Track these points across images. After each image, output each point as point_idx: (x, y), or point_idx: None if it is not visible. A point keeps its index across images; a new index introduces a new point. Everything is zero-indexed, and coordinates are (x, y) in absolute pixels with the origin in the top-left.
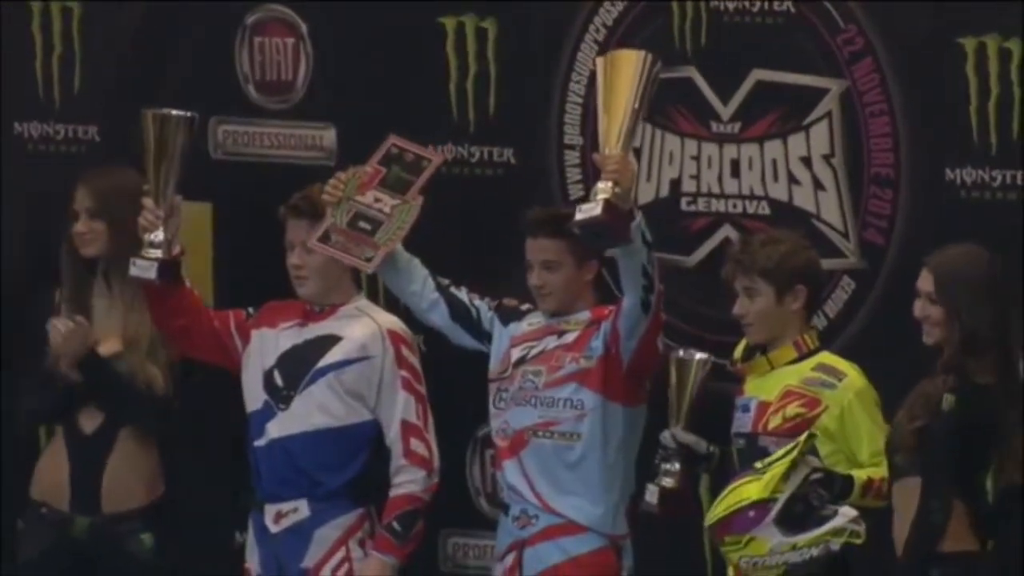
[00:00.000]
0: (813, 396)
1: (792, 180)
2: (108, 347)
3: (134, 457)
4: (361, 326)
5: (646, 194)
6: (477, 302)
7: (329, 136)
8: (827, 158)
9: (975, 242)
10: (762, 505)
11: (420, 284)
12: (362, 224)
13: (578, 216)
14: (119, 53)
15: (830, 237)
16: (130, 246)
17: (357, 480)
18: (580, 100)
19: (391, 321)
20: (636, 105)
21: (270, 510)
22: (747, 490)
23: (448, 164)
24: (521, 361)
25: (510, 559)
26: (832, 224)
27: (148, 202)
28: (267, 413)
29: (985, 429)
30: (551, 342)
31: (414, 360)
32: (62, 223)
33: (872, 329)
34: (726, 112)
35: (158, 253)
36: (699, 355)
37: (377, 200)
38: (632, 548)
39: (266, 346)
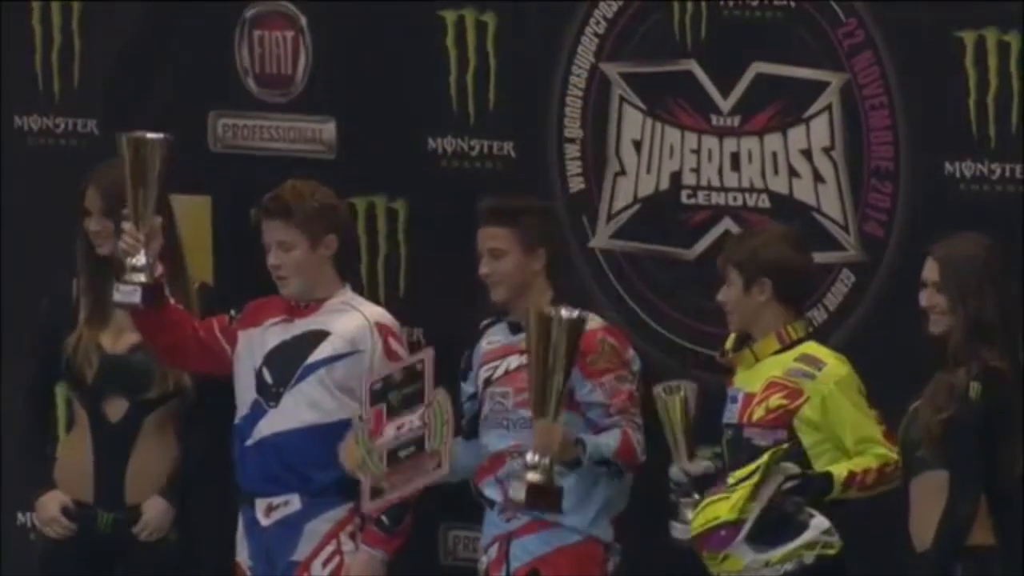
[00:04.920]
0: (795, 387)
1: (792, 173)
2: (128, 339)
3: (158, 446)
4: (349, 320)
5: (646, 187)
6: (466, 404)
7: (329, 129)
8: (827, 151)
9: (977, 233)
10: (732, 526)
11: (471, 456)
12: (403, 453)
13: (510, 493)
14: (119, 47)
15: (830, 230)
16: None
17: (348, 475)
18: (580, 94)
19: (378, 313)
20: (553, 369)
21: (261, 503)
22: (718, 509)
23: (448, 157)
24: (488, 382)
25: (494, 551)
26: (832, 217)
27: (128, 226)
28: (257, 411)
29: (1007, 415)
30: (514, 361)
31: (403, 351)
32: (63, 216)
33: (872, 322)
34: (726, 105)
35: (141, 278)
36: (681, 387)
37: (399, 428)
38: (619, 550)
39: (253, 345)
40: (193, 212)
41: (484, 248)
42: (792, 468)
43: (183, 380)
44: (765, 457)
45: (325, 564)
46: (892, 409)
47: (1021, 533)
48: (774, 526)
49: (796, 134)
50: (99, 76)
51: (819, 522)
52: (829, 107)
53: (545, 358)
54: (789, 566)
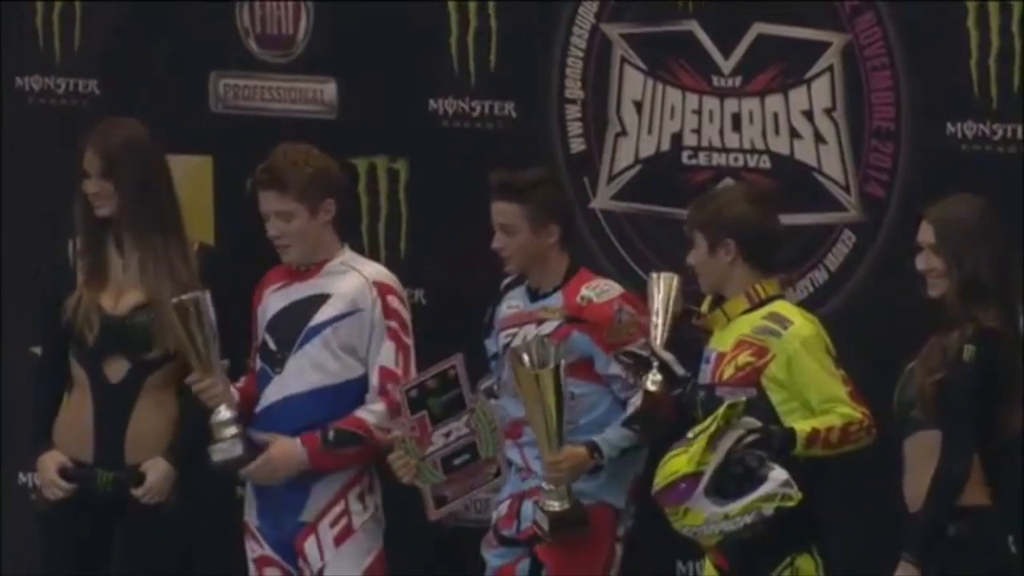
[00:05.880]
0: (761, 345)
1: (793, 134)
2: (128, 301)
3: (158, 407)
4: (348, 281)
5: (647, 147)
6: (492, 364)
7: (329, 90)
8: (828, 112)
9: (975, 195)
10: (691, 478)
11: None
12: (457, 461)
13: (536, 518)
14: (120, 7)
15: (831, 190)
16: (137, 205)
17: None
18: (581, 54)
19: (377, 272)
20: (548, 404)
21: None
22: (677, 463)
23: (449, 118)
24: (507, 348)
25: (505, 507)
26: (833, 177)
27: (202, 385)
28: (263, 378)
29: (1002, 377)
30: (530, 331)
31: (402, 309)
32: (63, 177)
33: (872, 282)
34: (727, 66)
35: (233, 430)
36: (674, 276)
37: (447, 435)
38: (633, 517)
39: (261, 319)
40: (193, 172)
41: (496, 222)
42: (754, 423)
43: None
44: (721, 409)
45: (333, 525)
46: (892, 369)
47: (1017, 493)
48: (735, 479)
49: (797, 95)
50: (100, 36)
51: (777, 474)
52: (830, 68)
53: (537, 398)
54: (748, 519)
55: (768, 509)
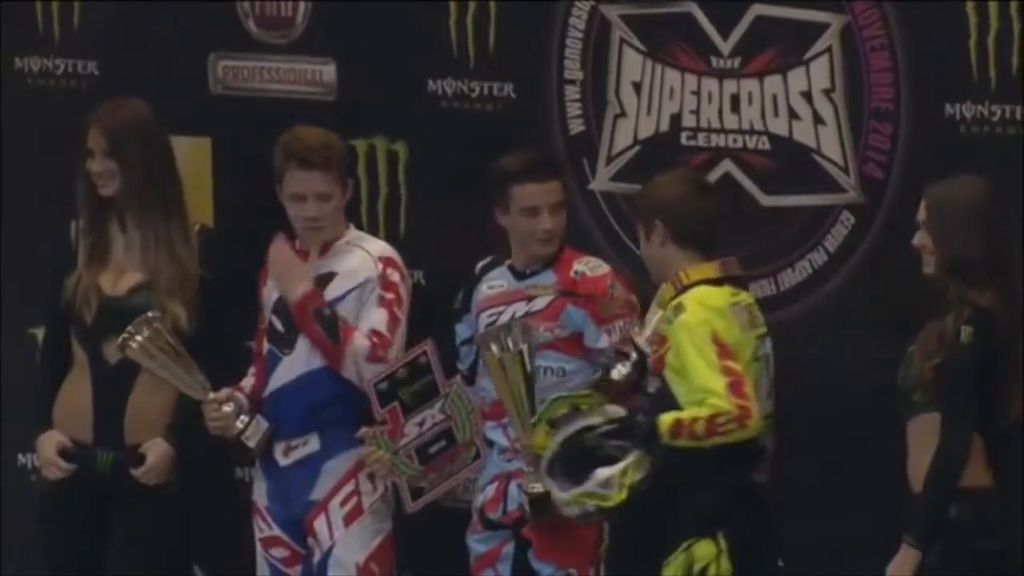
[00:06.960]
0: (663, 334)
1: (792, 115)
2: (127, 282)
3: (157, 388)
4: (354, 258)
5: (646, 128)
6: (463, 348)
7: (329, 71)
8: (827, 93)
9: (974, 176)
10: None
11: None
12: (433, 449)
13: (521, 499)
14: None
15: (830, 172)
16: (141, 185)
17: (367, 412)
18: (580, 35)
19: (382, 247)
20: (520, 389)
21: (279, 444)
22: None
23: (448, 99)
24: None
25: (492, 490)
26: (832, 159)
27: (207, 407)
28: (273, 360)
29: (1001, 357)
30: (520, 308)
31: (399, 283)
32: (62, 158)
33: (871, 264)
34: (726, 47)
35: (252, 443)
36: None
37: (420, 424)
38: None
39: (267, 302)
40: (193, 154)
41: (547, 203)
42: (618, 411)
43: (181, 322)
44: (547, 401)
45: (343, 504)
46: (892, 351)
47: (1018, 475)
48: (593, 465)
49: (796, 76)
50: (100, 17)
51: (598, 475)
52: (829, 49)
53: (506, 381)
54: (576, 510)
55: (590, 506)
